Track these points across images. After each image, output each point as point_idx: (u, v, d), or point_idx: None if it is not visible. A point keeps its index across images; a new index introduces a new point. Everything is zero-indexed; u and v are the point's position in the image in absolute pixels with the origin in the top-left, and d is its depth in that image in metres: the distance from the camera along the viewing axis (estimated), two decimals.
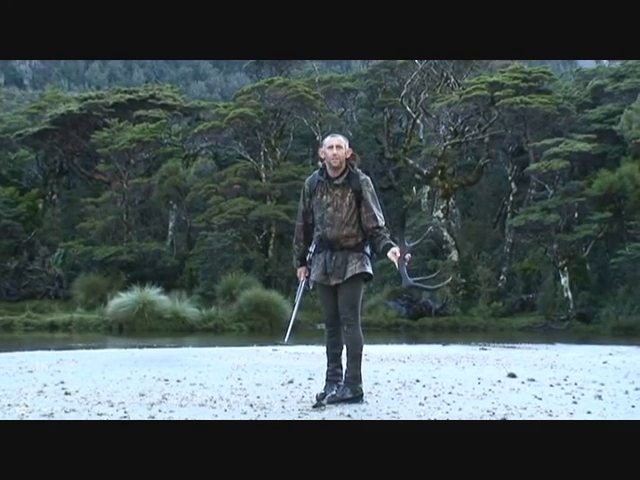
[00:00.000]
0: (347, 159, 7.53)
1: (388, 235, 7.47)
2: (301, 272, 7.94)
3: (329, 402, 7.40)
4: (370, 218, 7.48)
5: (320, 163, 7.87)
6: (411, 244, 7.56)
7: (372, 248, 7.67)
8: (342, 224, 7.50)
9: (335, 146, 7.43)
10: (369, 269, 7.67)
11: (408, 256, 7.28)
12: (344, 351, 7.82)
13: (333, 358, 7.85)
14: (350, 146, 7.69)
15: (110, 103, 42.83)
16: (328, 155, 7.45)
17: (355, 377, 7.57)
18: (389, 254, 7.28)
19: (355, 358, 7.59)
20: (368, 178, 7.64)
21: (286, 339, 8.27)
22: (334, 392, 7.56)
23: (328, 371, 7.85)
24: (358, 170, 7.60)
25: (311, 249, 7.76)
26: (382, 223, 7.52)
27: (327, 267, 7.55)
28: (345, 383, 7.60)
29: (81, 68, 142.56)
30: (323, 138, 7.89)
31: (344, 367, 7.77)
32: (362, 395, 7.64)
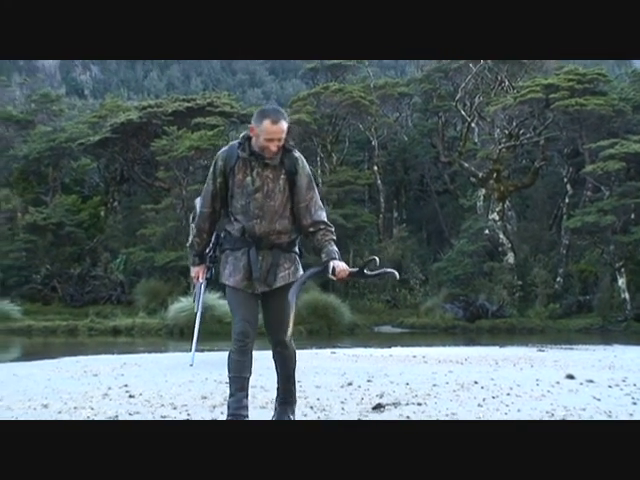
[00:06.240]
0: None
1: (329, 238, 5.83)
2: (199, 272, 6.16)
3: None
4: (305, 210, 5.80)
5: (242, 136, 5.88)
6: (364, 271, 5.80)
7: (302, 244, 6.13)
8: (275, 215, 5.76)
9: (277, 140, 5.62)
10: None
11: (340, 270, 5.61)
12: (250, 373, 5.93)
13: (241, 385, 5.77)
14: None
15: (169, 111, 43.12)
16: (262, 144, 5.62)
17: (294, 394, 6.23)
18: (335, 268, 5.63)
19: (293, 374, 6.16)
20: (303, 157, 5.87)
21: (192, 361, 7.35)
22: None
23: (233, 402, 5.75)
24: (292, 145, 5.85)
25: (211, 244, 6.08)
26: (321, 217, 5.84)
27: (253, 271, 5.76)
28: (288, 404, 6.16)
29: (140, 77, 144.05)
30: (261, 114, 5.70)
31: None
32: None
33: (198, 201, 6.23)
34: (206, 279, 6.16)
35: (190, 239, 6.19)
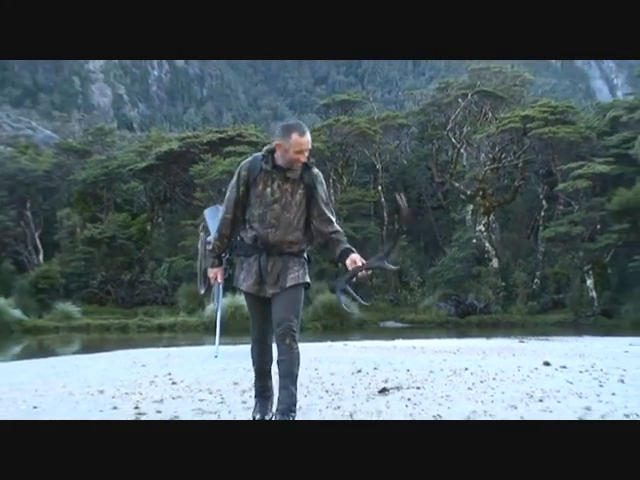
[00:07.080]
0: None
1: (345, 240, 5.26)
2: (217, 273, 5.63)
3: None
4: (324, 222, 5.27)
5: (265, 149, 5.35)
6: (378, 263, 5.21)
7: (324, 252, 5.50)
8: (289, 227, 5.26)
9: (306, 150, 5.16)
10: (308, 278, 5.41)
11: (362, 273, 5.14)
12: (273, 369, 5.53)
13: (265, 374, 5.57)
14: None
15: (204, 141, 43.14)
16: (292, 157, 5.14)
17: (295, 404, 5.19)
18: (347, 261, 5.12)
19: (296, 379, 5.23)
20: (321, 174, 5.37)
21: (216, 353, 6.90)
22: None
23: (260, 387, 5.61)
24: (312, 162, 5.34)
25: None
26: (338, 227, 5.30)
27: (263, 274, 5.29)
28: (290, 411, 5.10)
29: (180, 113, 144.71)
30: (287, 129, 5.18)
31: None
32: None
33: (206, 213, 6.00)
34: (224, 279, 5.69)
35: (213, 244, 5.55)
